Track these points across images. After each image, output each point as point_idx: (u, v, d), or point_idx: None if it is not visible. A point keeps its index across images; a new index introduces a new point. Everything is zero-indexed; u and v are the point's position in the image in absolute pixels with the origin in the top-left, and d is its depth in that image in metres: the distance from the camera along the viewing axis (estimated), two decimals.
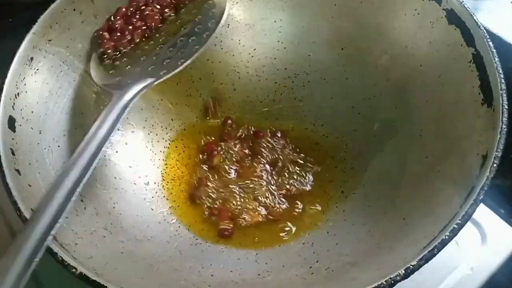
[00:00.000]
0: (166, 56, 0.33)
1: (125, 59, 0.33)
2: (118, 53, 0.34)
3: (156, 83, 0.31)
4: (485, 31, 0.29)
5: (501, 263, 0.34)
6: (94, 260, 0.25)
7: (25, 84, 0.29)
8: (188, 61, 0.32)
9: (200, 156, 0.38)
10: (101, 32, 0.34)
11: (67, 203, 0.24)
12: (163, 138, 0.38)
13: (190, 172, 0.37)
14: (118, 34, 0.34)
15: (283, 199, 0.35)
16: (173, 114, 0.39)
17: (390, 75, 0.36)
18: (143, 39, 0.34)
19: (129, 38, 0.34)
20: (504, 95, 0.27)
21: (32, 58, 0.30)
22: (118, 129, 0.36)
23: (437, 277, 0.33)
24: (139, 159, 0.36)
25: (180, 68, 0.32)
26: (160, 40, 0.34)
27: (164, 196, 0.35)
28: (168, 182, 0.36)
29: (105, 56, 0.33)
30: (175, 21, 0.35)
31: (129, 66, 0.33)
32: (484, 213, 0.36)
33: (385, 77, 0.36)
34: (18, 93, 0.29)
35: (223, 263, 0.31)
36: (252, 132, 0.39)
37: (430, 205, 0.27)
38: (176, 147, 0.38)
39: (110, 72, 0.33)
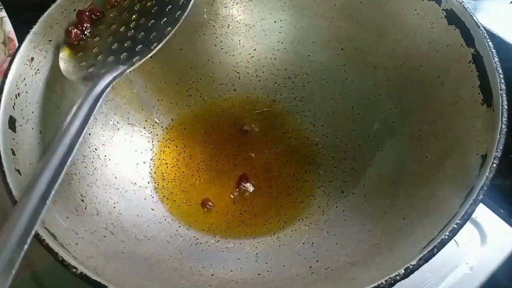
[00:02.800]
0: (139, 41, 0.31)
1: (96, 48, 0.32)
2: (87, 39, 0.32)
3: (128, 70, 0.30)
4: (485, 31, 0.29)
5: (500, 263, 0.34)
6: (95, 260, 0.25)
7: (25, 84, 0.29)
8: (160, 45, 0.31)
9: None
10: (69, 28, 0.33)
11: (41, 209, 0.22)
12: (163, 138, 0.38)
13: (190, 172, 0.37)
14: (85, 24, 0.33)
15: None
16: (173, 114, 0.39)
17: (390, 75, 0.36)
18: (112, 26, 0.33)
19: (93, 18, 0.33)
20: (504, 95, 0.27)
21: (32, 58, 0.30)
22: (118, 129, 0.36)
23: (437, 276, 0.33)
24: (139, 159, 0.36)
25: (153, 52, 0.31)
26: (131, 25, 0.32)
27: (164, 196, 0.35)
28: (168, 181, 0.36)
29: (75, 47, 0.32)
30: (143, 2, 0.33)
31: (101, 55, 0.31)
32: (483, 213, 0.36)
33: (385, 77, 0.36)
34: (18, 93, 0.29)
35: (223, 263, 0.31)
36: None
37: (430, 205, 0.27)
38: (176, 147, 0.38)
39: (81, 63, 0.31)
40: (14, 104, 0.28)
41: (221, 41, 0.40)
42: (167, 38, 0.31)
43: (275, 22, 0.40)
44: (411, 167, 0.31)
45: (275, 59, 0.40)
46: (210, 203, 0.35)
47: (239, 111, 0.40)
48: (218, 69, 0.40)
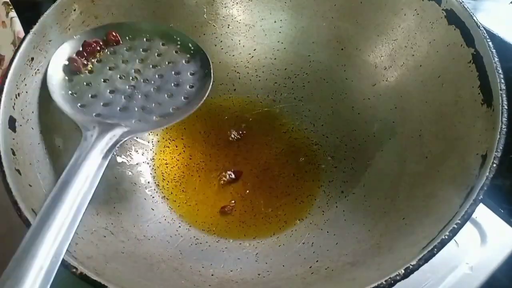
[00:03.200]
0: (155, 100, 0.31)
1: (92, 93, 0.31)
2: (91, 73, 0.31)
3: (145, 132, 0.29)
4: (485, 31, 0.29)
5: (500, 263, 0.34)
6: (95, 260, 0.25)
7: (25, 84, 0.29)
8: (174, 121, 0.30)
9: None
10: (73, 56, 0.32)
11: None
12: (163, 138, 0.38)
13: (190, 172, 0.37)
14: (88, 49, 0.32)
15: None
16: None
17: (389, 75, 0.36)
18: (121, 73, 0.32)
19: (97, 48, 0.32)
20: (504, 95, 0.27)
21: (32, 58, 0.30)
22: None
23: (437, 276, 0.33)
24: (139, 159, 0.36)
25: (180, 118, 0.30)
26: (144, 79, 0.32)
27: (164, 196, 0.35)
28: (168, 181, 0.36)
29: (73, 76, 0.31)
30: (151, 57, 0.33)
31: (101, 103, 0.30)
32: (483, 213, 0.36)
33: (385, 77, 0.36)
34: (18, 93, 0.29)
35: (223, 263, 0.31)
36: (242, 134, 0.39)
37: (430, 205, 0.27)
38: (176, 147, 0.38)
39: (74, 94, 0.30)
40: (14, 104, 0.28)
41: (221, 41, 0.40)
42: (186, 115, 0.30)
43: (275, 22, 0.40)
44: (411, 167, 0.31)
45: (275, 59, 0.40)
46: (229, 206, 0.35)
47: (239, 111, 0.40)
48: (218, 69, 0.40)
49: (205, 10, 0.39)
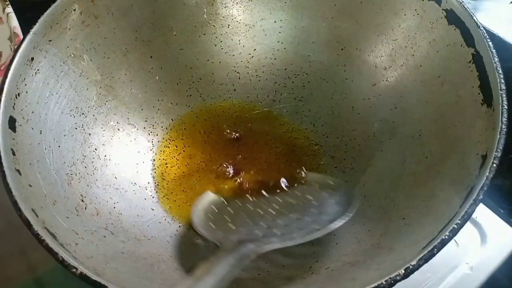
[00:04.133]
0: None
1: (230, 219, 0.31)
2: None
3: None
4: (484, 31, 0.29)
5: (500, 263, 0.34)
6: (95, 260, 0.25)
7: (25, 84, 0.29)
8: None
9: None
10: None
11: None
12: (163, 138, 0.38)
13: (190, 172, 0.37)
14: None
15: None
16: (173, 114, 0.39)
17: (389, 75, 0.36)
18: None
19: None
20: (504, 95, 0.27)
21: (32, 58, 0.30)
22: (119, 129, 0.36)
23: (437, 276, 0.33)
24: (139, 159, 0.36)
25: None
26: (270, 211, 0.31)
27: (164, 196, 0.35)
28: (168, 181, 0.36)
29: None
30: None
31: (234, 227, 0.30)
32: (483, 213, 0.36)
33: (385, 77, 0.36)
34: (18, 93, 0.29)
35: None
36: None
37: (430, 205, 0.27)
38: (176, 147, 0.38)
39: (211, 224, 0.30)
40: (14, 104, 0.28)
41: (221, 41, 0.40)
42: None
43: (275, 22, 0.40)
44: (411, 167, 0.31)
45: (275, 59, 0.40)
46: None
47: (239, 111, 0.40)
48: (218, 69, 0.40)
49: (205, 10, 0.39)
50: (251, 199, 0.32)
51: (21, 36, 0.41)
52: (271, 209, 0.31)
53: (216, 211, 0.32)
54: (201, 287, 0.23)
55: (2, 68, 0.28)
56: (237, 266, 0.25)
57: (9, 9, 0.41)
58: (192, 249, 0.32)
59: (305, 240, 0.28)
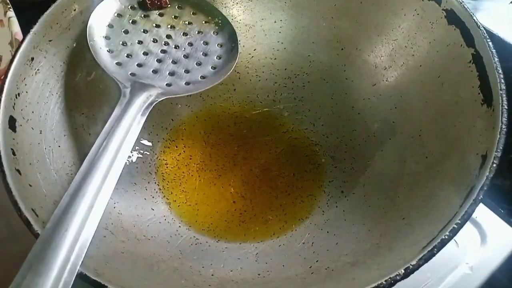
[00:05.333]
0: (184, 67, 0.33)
1: (127, 53, 0.32)
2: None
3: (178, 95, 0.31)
4: (484, 31, 0.29)
5: (500, 263, 0.34)
6: (95, 260, 0.25)
7: (25, 84, 0.29)
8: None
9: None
10: None
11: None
12: (163, 138, 0.38)
13: (190, 172, 0.37)
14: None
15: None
16: (173, 114, 0.39)
17: (389, 75, 0.36)
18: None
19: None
20: (504, 95, 0.27)
21: (32, 58, 0.30)
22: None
23: (437, 276, 0.33)
24: (139, 159, 0.36)
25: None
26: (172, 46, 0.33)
27: (164, 196, 0.35)
28: (168, 182, 0.36)
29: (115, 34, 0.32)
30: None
31: (136, 63, 0.32)
32: (483, 213, 0.36)
33: (385, 77, 0.36)
34: (18, 93, 0.29)
35: (223, 263, 0.31)
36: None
37: (430, 205, 0.27)
38: (176, 147, 0.38)
39: (115, 62, 0.32)
40: (14, 104, 0.28)
41: None
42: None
43: (275, 22, 0.40)
44: (411, 167, 0.31)
45: (275, 59, 0.40)
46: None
47: (239, 111, 0.40)
48: None
49: None
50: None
51: None
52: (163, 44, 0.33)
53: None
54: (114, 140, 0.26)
55: (2, 77, 0.28)
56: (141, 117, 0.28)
57: (11, 13, 0.41)
58: (192, 248, 0.32)
59: (191, 90, 0.31)
